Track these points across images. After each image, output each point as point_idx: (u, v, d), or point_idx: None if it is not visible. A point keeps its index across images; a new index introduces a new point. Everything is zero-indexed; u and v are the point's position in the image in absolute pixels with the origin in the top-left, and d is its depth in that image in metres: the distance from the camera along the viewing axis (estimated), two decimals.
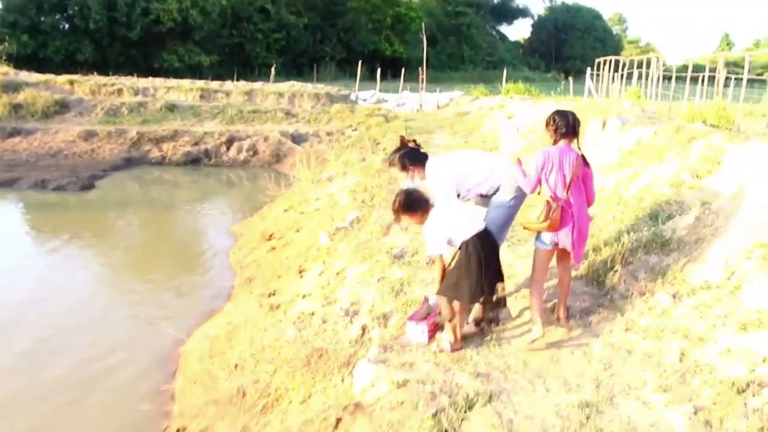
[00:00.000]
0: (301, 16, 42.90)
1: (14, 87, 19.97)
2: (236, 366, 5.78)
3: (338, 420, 4.08)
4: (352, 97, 25.32)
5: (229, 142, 18.39)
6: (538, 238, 4.55)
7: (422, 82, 27.18)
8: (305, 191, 11.98)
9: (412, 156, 4.92)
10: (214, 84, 22.92)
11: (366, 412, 4.02)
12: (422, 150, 5.04)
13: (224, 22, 40.28)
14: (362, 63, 31.35)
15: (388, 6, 47.12)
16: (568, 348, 4.41)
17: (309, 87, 23.67)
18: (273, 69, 29.29)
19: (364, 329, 5.22)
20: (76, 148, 17.00)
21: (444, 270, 4.43)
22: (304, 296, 6.69)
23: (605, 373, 4.04)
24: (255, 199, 12.84)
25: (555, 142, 4.45)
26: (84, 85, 20.95)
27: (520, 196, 4.79)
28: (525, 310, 4.93)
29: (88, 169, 15.23)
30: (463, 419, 3.69)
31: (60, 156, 16.40)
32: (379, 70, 30.94)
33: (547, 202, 4.33)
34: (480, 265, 4.28)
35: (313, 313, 5.99)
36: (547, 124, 4.52)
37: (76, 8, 34.03)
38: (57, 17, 34.78)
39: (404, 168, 4.90)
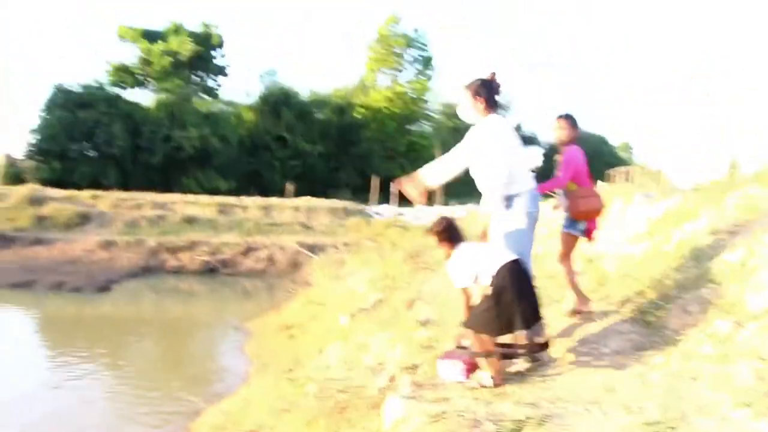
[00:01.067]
0: (316, 144, 43.99)
1: (40, 201, 20.43)
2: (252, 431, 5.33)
3: None
4: (368, 211, 25.42)
5: (246, 252, 18.32)
6: (571, 225, 5.15)
7: (439, 196, 27.34)
8: (324, 287, 11.70)
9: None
10: (232, 199, 23.19)
11: None
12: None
13: (243, 149, 41.39)
14: (377, 185, 31.79)
15: (400, 135, 48.45)
16: (621, 377, 3.96)
17: (325, 202, 23.88)
18: (290, 186, 29.71)
19: (392, 379, 4.78)
20: (95, 256, 17.04)
21: (469, 303, 4.21)
22: (325, 367, 6.27)
23: (670, 396, 3.59)
24: (272, 300, 12.51)
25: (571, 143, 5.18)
26: (106, 200, 21.33)
27: (533, 214, 4.49)
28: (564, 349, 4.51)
29: (105, 275, 15.18)
30: None
31: (79, 263, 16.38)
32: (394, 192, 31.32)
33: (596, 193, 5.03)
34: (510, 296, 3.98)
35: (333, 377, 5.55)
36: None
37: (103, 136, 35.21)
38: (85, 144, 35.89)
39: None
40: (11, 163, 34.95)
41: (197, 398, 7.06)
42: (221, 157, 38.90)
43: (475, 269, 4.15)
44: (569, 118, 5.27)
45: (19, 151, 36.34)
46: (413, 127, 50.61)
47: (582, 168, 5.19)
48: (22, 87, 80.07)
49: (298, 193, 30.42)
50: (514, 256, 4.15)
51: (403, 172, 48.55)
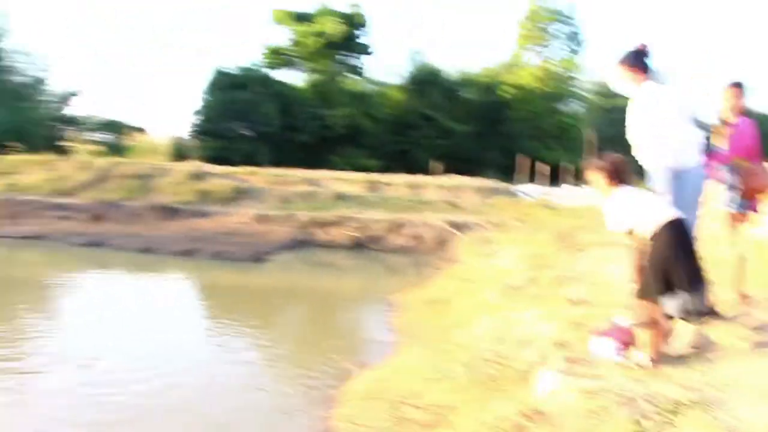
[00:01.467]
0: (463, 123, 43.81)
1: (201, 177, 21.99)
2: (399, 400, 5.48)
3: (518, 427, 3.64)
4: (515, 191, 25.10)
5: (394, 229, 18.65)
6: (737, 203, 4.99)
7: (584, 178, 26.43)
8: (470, 264, 11.73)
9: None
10: (381, 177, 23.68)
11: (549, 419, 3.56)
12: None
13: (390, 128, 42.07)
14: (524, 165, 31.31)
15: (549, 114, 47.22)
16: None
17: (472, 180, 23.82)
18: (438, 165, 29.93)
19: (543, 354, 4.76)
20: (251, 229, 18.08)
21: (640, 265, 3.94)
22: (473, 340, 6.32)
23: None
24: (418, 276, 12.68)
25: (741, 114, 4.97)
26: (261, 176, 22.55)
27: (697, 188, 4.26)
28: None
29: (260, 246, 16.03)
30: (666, 422, 3.13)
31: (236, 235, 17.44)
32: (542, 172, 30.75)
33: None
34: (672, 253, 3.76)
35: (483, 348, 5.60)
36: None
37: (257, 116, 37.24)
38: (241, 125, 38.20)
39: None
40: (177, 142, 37.96)
41: (347, 366, 7.35)
42: (369, 136, 39.86)
43: (634, 217, 3.93)
44: (740, 87, 4.94)
45: (184, 131, 39.55)
46: (562, 107, 49.18)
47: (753, 142, 4.88)
48: (186, 71, 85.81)
49: (445, 172, 30.57)
50: (678, 213, 3.95)
51: (551, 153, 47.57)
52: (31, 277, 13.10)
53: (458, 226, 18.61)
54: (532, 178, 31.78)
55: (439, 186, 22.73)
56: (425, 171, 31.19)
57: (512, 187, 25.07)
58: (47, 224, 18.67)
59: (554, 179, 32.10)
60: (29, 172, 22.73)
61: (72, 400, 6.05)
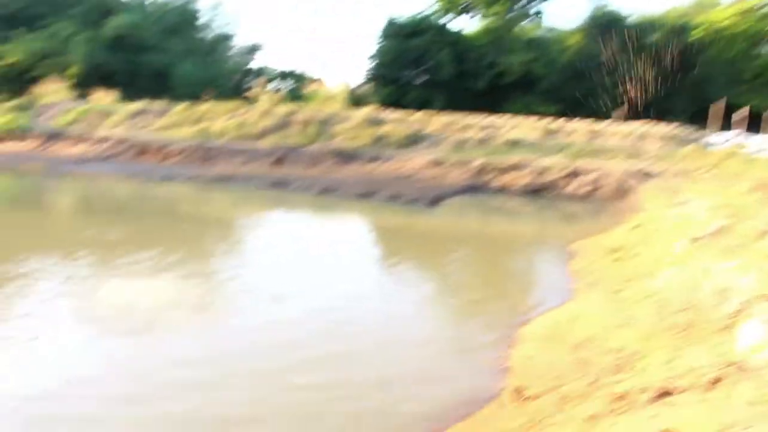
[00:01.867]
0: (646, 69, 41.12)
1: (377, 122, 22.40)
2: (579, 344, 5.33)
3: (716, 379, 3.40)
4: (706, 139, 23.25)
5: (571, 176, 18.04)
6: None
7: None
8: (655, 213, 11.09)
9: None
10: (558, 122, 22.84)
11: (752, 373, 3.29)
12: None
13: (567, 74, 40.40)
14: (717, 112, 28.85)
15: (747, 58, 43.04)
16: None
17: (657, 128, 22.34)
18: (621, 110, 28.42)
19: (741, 306, 4.40)
20: (425, 173, 18.28)
21: None
22: (657, 291, 5.99)
23: None
24: (596, 224, 12.19)
25: None
26: (435, 122, 22.56)
27: None
28: None
29: (434, 191, 16.18)
30: None
31: (411, 179, 17.74)
32: (739, 120, 28.15)
33: None
34: None
35: (672, 298, 5.28)
36: None
37: (432, 63, 37.28)
38: (414, 72, 38.49)
39: None
40: (353, 90, 39.06)
41: (524, 308, 7.27)
42: (545, 82, 38.58)
43: None
44: None
45: (359, 80, 40.59)
46: (764, 49, 44.53)
47: None
48: (357, 23, 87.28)
49: (626, 120, 28.96)
50: None
51: (749, 99, 43.44)
52: (221, 215, 14.12)
53: (640, 175, 17.64)
54: (725, 127, 29.25)
55: (620, 133, 21.57)
56: (604, 118, 29.76)
57: (702, 136, 23.25)
58: (235, 167, 20.04)
59: (753, 128, 29.34)
60: (218, 119, 24.38)
61: (263, 330, 6.48)
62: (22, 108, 26.92)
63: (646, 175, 17.64)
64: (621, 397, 3.74)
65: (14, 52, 32.22)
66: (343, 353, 5.74)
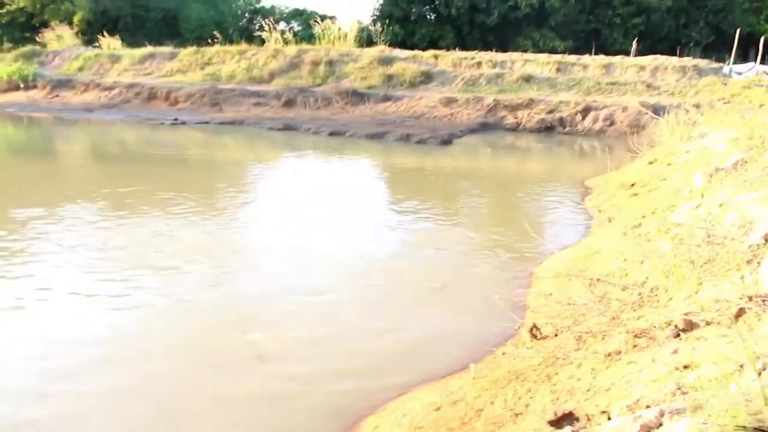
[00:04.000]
0: None
1: (387, 61, 22.08)
2: (597, 279, 5.25)
3: (739, 310, 3.31)
4: (725, 71, 22.70)
5: (585, 112, 17.76)
6: None
7: None
8: (672, 147, 10.87)
9: None
10: (571, 58, 22.32)
11: None
12: None
13: (582, 7, 39.36)
14: (737, 42, 28.06)
15: None
16: None
17: (674, 60, 21.79)
18: (635, 42, 27.74)
19: (765, 238, 4.28)
20: (437, 112, 18.07)
21: None
22: (677, 225, 5.86)
23: None
24: (611, 160, 11.96)
25: None
26: (446, 59, 22.16)
27: None
28: None
29: (447, 129, 16.02)
30: None
31: (422, 118, 17.55)
32: (759, 52, 27.37)
33: None
34: None
35: (693, 230, 5.16)
36: None
37: None
38: (424, 8, 37.66)
39: None
40: (363, 28, 38.22)
41: (538, 246, 7.19)
42: (558, 15, 37.63)
43: None
44: None
45: (369, 18, 39.76)
46: None
47: None
48: None
49: (641, 53, 28.33)
50: None
51: None
52: (232, 159, 14.04)
53: (656, 109, 17.30)
54: (745, 57, 28.55)
55: (635, 66, 21.07)
56: (620, 52, 29.09)
57: (721, 67, 22.68)
58: (244, 110, 19.90)
59: None
60: (227, 62, 24.07)
61: (281, 277, 6.46)
62: (28, 56, 26.67)
63: (663, 109, 17.30)
64: (642, 333, 3.67)
65: None
66: (356, 299, 5.70)
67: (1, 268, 6.20)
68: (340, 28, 26.51)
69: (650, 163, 10.31)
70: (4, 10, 32.24)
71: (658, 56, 22.65)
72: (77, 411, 3.86)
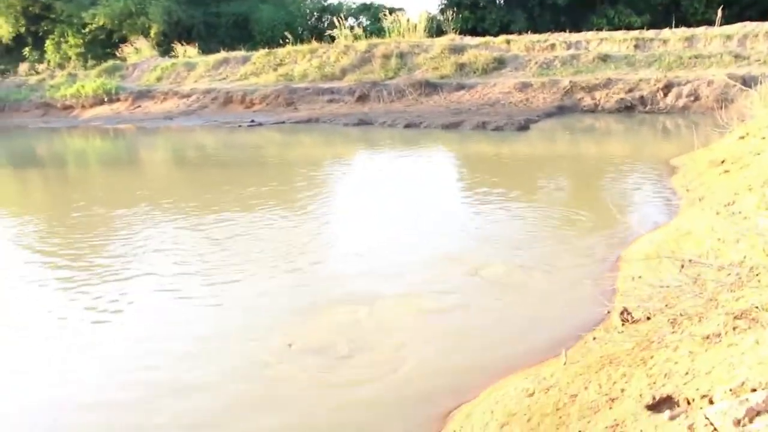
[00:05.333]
0: None
1: (459, 50, 21.92)
2: (689, 260, 5.03)
3: None
4: None
5: (667, 89, 17.11)
6: None
7: None
8: (765, 119, 10.33)
9: None
10: (650, 33, 21.51)
11: None
12: None
13: None
14: None
15: None
16: None
17: (766, 26, 20.62)
18: (720, 11, 26.50)
19: None
20: (512, 98, 17.81)
21: None
22: None
23: None
24: (696, 137, 11.48)
25: None
26: (519, 43, 21.78)
27: None
28: None
29: (523, 115, 15.76)
30: None
31: (497, 105, 17.35)
32: None
33: None
34: None
35: None
36: None
37: None
38: None
39: None
40: (431, 17, 38.00)
41: (625, 228, 6.97)
42: None
43: None
44: None
45: (437, 7, 39.44)
46: None
47: None
48: None
49: (727, 21, 27.11)
50: None
51: None
52: (313, 156, 14.22)
53: (746, 80, 16.49)
54: None
55: (720, 36, 20.12)
56: (701, 23, 27.90)
57: None
58: (319, 108, 20.14)
59: None
60: (299, 61, 24.42)
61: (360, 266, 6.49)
62: (110, 71, 27.81)
63: (753, 80, 16.48)
64: (742, 315, 3.49)
65: (100, 15, 33.12)
66: (447, 290, 5.66)
67: (108, 269, 6.48)
68: (408, 20, 26.46)
69: (741, 137, 9.83)
70: (86, 30, 33.70)
71: (747, 23, 21.47)
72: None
